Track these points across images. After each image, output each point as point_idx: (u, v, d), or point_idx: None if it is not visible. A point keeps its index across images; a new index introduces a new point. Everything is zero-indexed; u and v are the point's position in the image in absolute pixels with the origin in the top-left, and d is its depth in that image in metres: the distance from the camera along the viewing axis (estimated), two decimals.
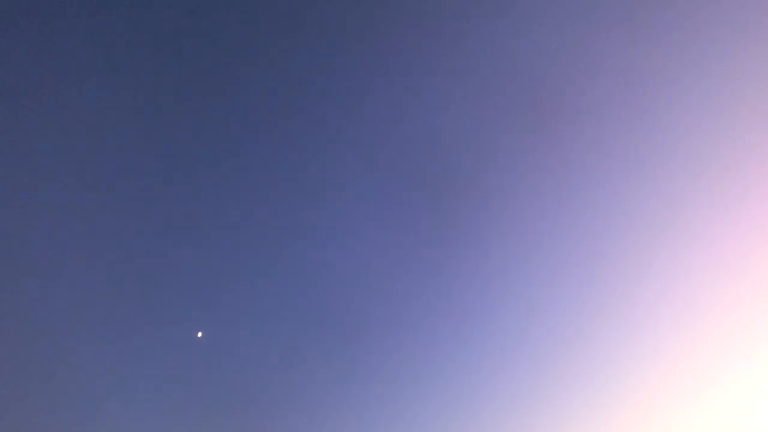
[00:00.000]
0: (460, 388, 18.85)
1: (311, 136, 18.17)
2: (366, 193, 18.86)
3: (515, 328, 19.13)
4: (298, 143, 18.26)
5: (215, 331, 17.67)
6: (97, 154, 16.57)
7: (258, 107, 17.80)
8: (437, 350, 18.96)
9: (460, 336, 19.03)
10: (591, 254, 18.99)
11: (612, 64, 17.90)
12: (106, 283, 17.07)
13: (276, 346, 18.38)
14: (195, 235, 17.83)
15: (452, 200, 18.85)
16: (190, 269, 17.74)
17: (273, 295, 18.60)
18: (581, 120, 18.26)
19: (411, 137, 18.48)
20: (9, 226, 15.89)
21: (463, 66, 17.95)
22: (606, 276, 18.94)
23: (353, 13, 17.47)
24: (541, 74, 18.09)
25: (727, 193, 18.14)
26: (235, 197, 18.06)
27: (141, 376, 17.10)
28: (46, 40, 15.76)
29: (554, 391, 18.84)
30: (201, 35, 17.14)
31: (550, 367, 18.99)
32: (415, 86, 18.07)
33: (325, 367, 18.63)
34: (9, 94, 15.58)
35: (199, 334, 17.50)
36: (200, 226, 17.86)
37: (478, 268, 19.01)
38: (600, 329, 18.97)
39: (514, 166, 18.70)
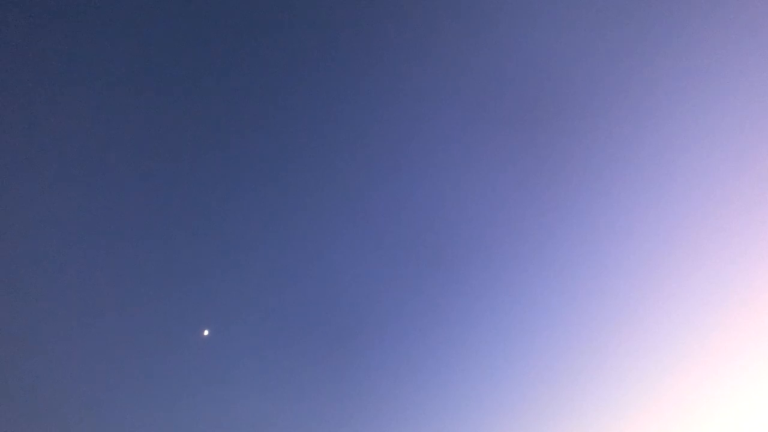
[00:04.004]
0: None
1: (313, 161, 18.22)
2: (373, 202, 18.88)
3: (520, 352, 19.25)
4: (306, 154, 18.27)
5: (221, 331, 17.61)
6: (107, 154, 16.48)
7: (255, 108, 17.79)
8: (432, 373, 19.07)
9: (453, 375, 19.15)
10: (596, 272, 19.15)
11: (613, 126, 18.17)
12: (114, 283, 16.94)
13: (279, 346, 18.35)
14: (202, 233, 17.74)
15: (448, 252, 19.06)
16: (195, 267, 17.67)
17: (274, 297, 18.59)
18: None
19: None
20: (10, 226, 15.77)
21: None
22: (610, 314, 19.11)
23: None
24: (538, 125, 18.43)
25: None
26: (239, 201, 18.01)
27: (146, 375, 17.00)
28: (45, 38, 15.69)
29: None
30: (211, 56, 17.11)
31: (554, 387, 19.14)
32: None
33: (324, 371, 18.61)
34: (9, 94, 15.49)
35: (206, 333, 17.41)
36: (209, 227, 17.77)
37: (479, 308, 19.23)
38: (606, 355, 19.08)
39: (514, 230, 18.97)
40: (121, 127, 16.62)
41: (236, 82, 17.39)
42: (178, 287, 17.43)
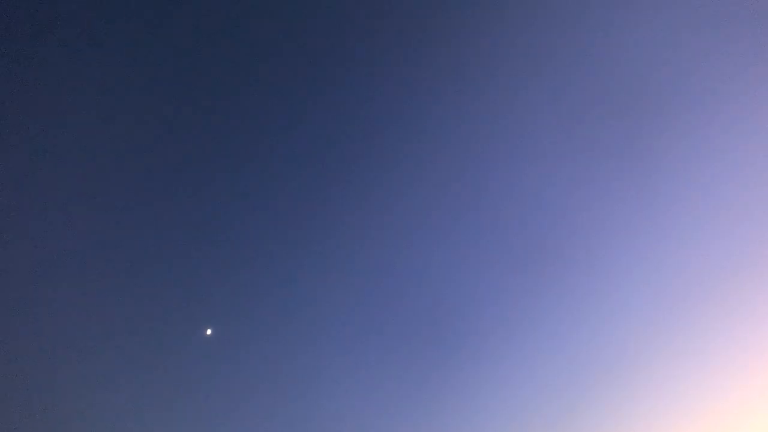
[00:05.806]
0: None
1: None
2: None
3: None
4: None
5: (225, 330, 17.48)
6: (112, 152, 16.38)
7: (261, 110, 17.59)
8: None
9: None
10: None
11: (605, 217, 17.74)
12: (126, 283, 16.85)
13: (282, 346, 18.20)
14: (209, 232, 17.59)
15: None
16: (199, 267, 17.53)
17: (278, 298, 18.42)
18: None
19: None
20: (11, 226, 15.75)
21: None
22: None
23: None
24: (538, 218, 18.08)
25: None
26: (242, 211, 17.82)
27: (149, 375, 16.89)
28: (47, 38, 15.64)
29: None
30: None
31: None
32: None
33: (336, 378, 18.41)
34: (9, 93, 15.48)
35: (209, 332, 17.25)
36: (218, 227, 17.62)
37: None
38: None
39: (508, 305, 18.54)
40: (126, 126, 16.52)
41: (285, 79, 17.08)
42: (181, 286, 17.31)
